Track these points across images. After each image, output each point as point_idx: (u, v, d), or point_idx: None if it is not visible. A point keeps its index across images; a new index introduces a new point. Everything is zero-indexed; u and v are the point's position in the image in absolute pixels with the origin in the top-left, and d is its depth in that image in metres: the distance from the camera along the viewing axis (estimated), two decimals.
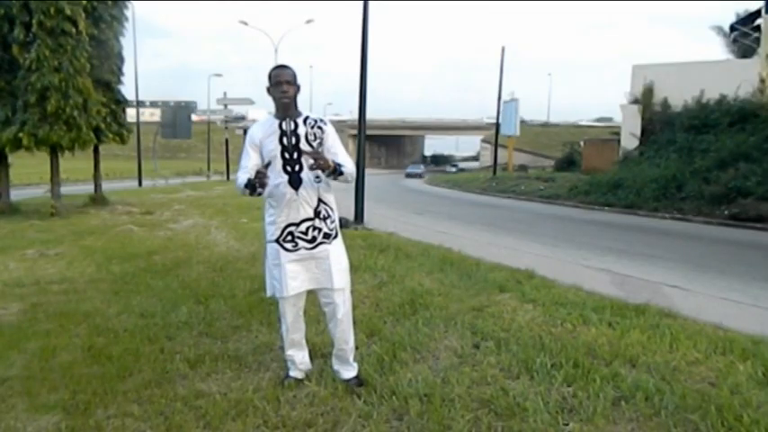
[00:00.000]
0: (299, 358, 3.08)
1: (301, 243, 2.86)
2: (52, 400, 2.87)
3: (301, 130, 2.85)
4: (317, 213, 2.88)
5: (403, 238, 8.58)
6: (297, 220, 2.84)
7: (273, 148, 2.83)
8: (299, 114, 2.90)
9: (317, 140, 2.87)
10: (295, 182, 2.83)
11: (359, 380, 3.05)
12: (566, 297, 4.80)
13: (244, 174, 2.83)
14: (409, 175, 47.02)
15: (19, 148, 11.47)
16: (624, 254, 8.26)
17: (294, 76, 2.86)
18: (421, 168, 51.58)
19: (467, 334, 3.83)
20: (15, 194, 14.29)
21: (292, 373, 3.07)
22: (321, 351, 3.41)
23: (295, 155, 2.84)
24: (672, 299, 5.22)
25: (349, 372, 3.05)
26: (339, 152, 2.91)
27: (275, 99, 2.84)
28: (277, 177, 2.81)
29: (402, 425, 2.63)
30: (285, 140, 2.84)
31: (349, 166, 2.87)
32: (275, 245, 2.88)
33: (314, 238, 2.87)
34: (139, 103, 26.59)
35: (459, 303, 4.59)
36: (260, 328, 3.97)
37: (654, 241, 9.99)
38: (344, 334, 2.98)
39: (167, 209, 13.60)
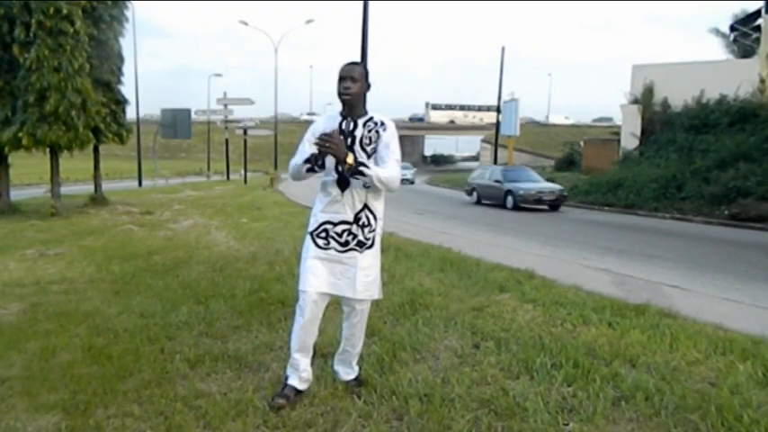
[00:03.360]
0: (303, 365, 2.86)
1: (333, 243, 2.78)
2: (52, 400, 2.87)
3: (358, 132, 2.75)
4: (356, 219, 2.76)
5: (403, 238, 8.58)
6: (335, 220, 2.77)
7: None
8: (363, 114, 2.79)
9: (372, 145, 2.75)
10: (343, 183, 2.74)
11: (358, 381, 3.04)
12: (566, 297, 4.80)
13: (299, 157, 2.79)
14: None
15: (18, 147, 11.49)
16: (624, 254, 8.26)
17: (362, 73, 2.75)
18: (410, 170, 33.77)
19: (467, 334, 3.83)
20: (15, 194, 14.30)
21: (291, 382, 2.85)
22: (321, 351, 3.40)
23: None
24: (672, 299, 5.21)
25: (349, 374, 3.02)
26: (387, 158, 2.74)
27: (338, 95, 2.75)
28: (328, 174, 2.78)
29: (402, 425, 2.63)
30: None
31: (384, 171, 2.68)
32: (308, 236, 2.83)
33: (346, 243, 2.77)
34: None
35: (459, 303, 4.59)
36: (260, 328, 3.97)
37: (654, 241, 10.00)
38: (354, 338, 2.94)
39: (167, 209, 13.61)
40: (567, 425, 2.59)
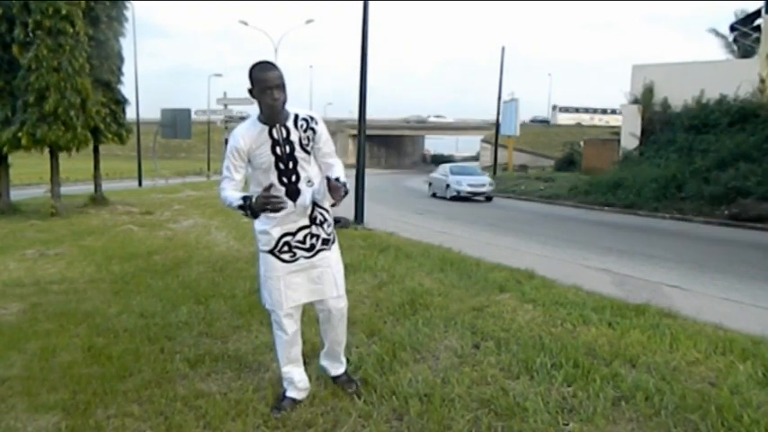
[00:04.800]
0: (298, 376, 2.82)
1: (300, 252, 2.67)
2: (52, 400, 2.87)
3: (294, 137, 2.61)
4: (312, 220, 2.68)
5: (403, 238, 8.59)
6: (293, 230, 2.65)
7: (266, 160, 2.59)
8: (287, 116, 2.63)
9: (310, 143, 2.66)
10: (293, 193, 2.62)
11: (354, 381, 2.96)
12: (566, 297, 4.80)
13: (231, 186, 2.60)
14: (465, 194, 19.09)
15: (18, 147, 11.48)
16: (624, 254, 8.25)
17: (282, 77, 2.54)
18: (484, 179, 20.38)
19: (467, 334, 3.82)
20: (15, 194, 14.29)
21: (290, 394, 2.81)
22: (320, 351, 3.40)
23: (290, 164, 2.61)
24: (672, 299, 5.21)
25: (338, 369, 2.96)
26: (331, 151, 2.75)
27: (265, 106, 2.55)
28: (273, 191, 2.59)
29: (402, 425, 2.63)
30: (279, 150, 2.59)
31: (341, 168, 2.74)
32: (269, 256, 2.68)
33: (312, 246, 2.69)
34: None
35: (459, 303, 4.59)
36: (260, 328, 3.97)
37: (654, 241, 9.99)
38: (339, 336, 2.87)
39: (167, 209, 13.60)
40: (567, 425, 2.59)
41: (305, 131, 2.65)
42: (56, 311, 4.47)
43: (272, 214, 2.56)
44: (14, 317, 4.40)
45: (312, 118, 2.69)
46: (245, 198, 2.54)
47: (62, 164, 13.01)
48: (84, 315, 4.36)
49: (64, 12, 10.94)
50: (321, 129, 2.71)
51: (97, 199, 14.27)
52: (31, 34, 11.00)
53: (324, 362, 2.99)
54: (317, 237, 2.71)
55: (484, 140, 60.14)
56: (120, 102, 13.90)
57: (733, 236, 11.12)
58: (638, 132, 20.14)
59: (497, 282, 5.34)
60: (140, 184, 26.97)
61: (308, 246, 2.69)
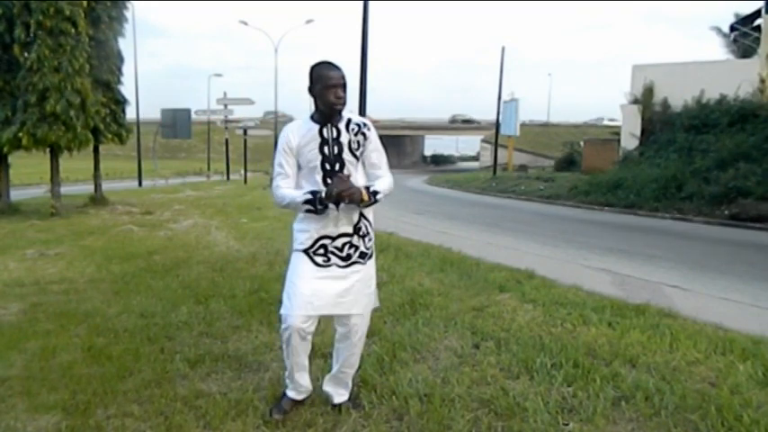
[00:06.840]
0: (302, 380, 2.76)
1: (334, 259, 2.58)
2: (52, 400, 2.87)
3: (344, 138, 2.57)
4: (356, 230, 2.59)
5: (403, 237, 8.58)
6: (333, 234, 2.57)
7: (313, 158, 2.55)
8: (341, 119, 2.60)
9: (360, 149, 2.60)
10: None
11: (360, 405, 2.83)
12: (566, 297, 4.81)
13: (286, 184, 2.58)
14: None
15: (18, 147, 11.49)
16: (624, 254, 8.25)
17: (345, 77, 2.54)
18: None
19: (467, 334, 3.83)
20: (15, 194, 14.29)
21: (290, 393, 2.76)
22: (321, 351, 3.40)
23: (337, 166, 2.56)
24: (672, 299, 5.21)
25: (342, 396, 2.81)
26: (381, 163, 2.67)
27: (328, 104, 2.51)
28: (316, 187, 2.55)
29: (402, 425, 2.63)
30: (326, 150, 2.55)
31: (386, 183, 2.64)
32: (303, 255, 2.60)
33: (348, 256, 2.59)
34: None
35: (459, 303, 4.59)
36: (260, 328, 3.97)
37: (654, 241, 9.99)
38: (353, 357, 2.74)
39: (167, 209, 13.59)
40: (567, 425, 2.60)
41: (356, 135, 2.60)
42: (56, 311, 4.47)
43: (332, 205, 2.51)
44: (14, 317, 4.40)
45: (365, 124, 2.65)
46: (313, 192, 2.52)
47: (62, 164, 13.01)
48: (84, 315, 4.36)
49: (67, 12, 10.94)
50: (372, 136, 2.65)
51: (97, 199, 14.28)
52: (31, 35, 11.00)
53: (327, 387, 2.83)
54: (356, 248, 2.62)
55: (484, 140, 60.20)
56: (120, 102, 13.91)
57: (733, 236, 11.11)
58: (638, 132, 20.12)
59: (497, 282, 5.34)
60: (140, 184, 26.95)
61: (344, 255, 2.60)
